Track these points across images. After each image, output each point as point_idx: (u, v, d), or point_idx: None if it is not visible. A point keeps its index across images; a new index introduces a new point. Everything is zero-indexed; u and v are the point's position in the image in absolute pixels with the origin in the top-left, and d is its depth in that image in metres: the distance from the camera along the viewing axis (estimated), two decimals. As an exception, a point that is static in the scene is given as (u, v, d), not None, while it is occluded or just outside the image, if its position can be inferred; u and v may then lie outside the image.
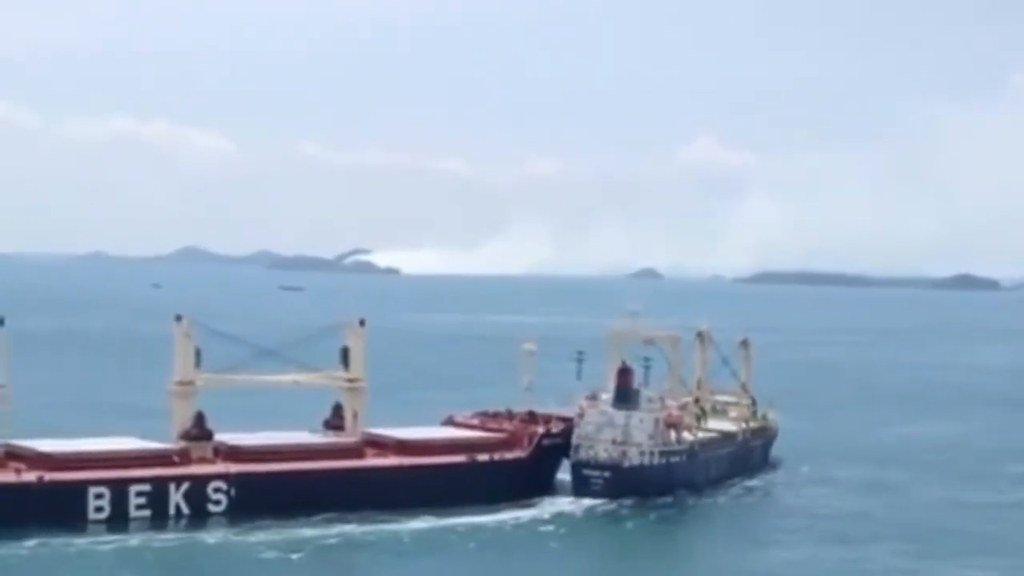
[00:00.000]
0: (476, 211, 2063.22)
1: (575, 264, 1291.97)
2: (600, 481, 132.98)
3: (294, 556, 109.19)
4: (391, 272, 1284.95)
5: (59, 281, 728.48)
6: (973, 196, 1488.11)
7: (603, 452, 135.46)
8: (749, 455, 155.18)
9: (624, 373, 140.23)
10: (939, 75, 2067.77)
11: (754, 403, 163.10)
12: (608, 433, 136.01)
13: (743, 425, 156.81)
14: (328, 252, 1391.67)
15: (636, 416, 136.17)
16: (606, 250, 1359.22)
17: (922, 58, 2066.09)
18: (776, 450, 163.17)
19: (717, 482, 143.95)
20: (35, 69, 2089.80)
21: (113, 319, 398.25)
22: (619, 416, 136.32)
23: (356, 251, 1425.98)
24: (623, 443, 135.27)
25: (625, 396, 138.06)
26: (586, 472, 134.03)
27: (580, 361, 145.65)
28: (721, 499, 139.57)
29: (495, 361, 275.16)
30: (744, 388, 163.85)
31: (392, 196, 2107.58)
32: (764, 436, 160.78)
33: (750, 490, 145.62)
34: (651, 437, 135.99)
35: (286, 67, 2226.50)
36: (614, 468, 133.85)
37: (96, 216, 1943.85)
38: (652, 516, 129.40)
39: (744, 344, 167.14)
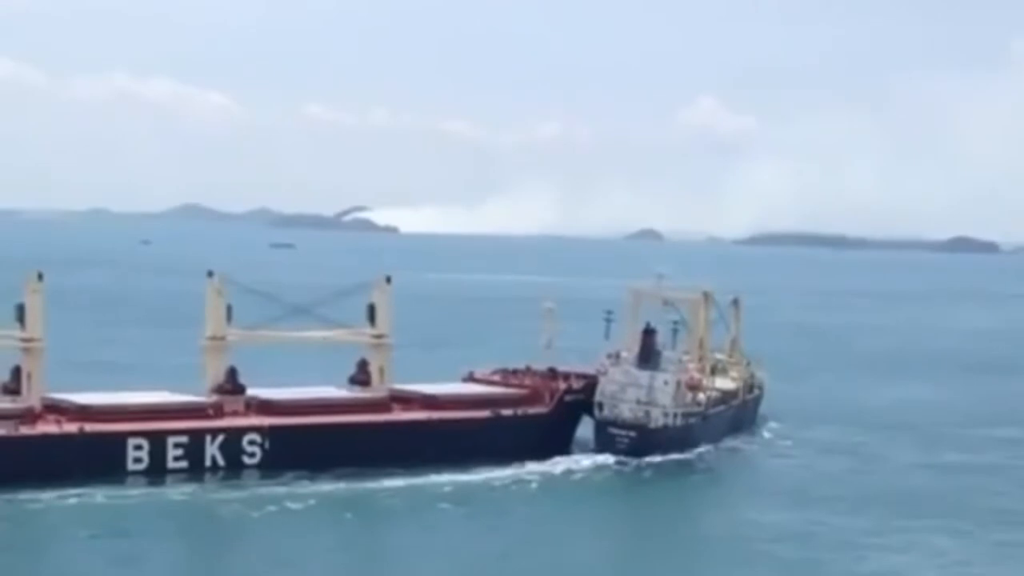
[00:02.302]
0: (479, 172, 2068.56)
1: (576, 225, 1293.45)
2: (625, 440, 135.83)
3: (324, 510, 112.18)
4: (390, 230, 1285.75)
5: (51, 237, 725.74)
6: (973, 160, 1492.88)
7: (628, 412, 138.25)
8: (746, 414, 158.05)
9: (649, 334, 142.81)
10: (941, 42, 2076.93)
11: (748, 363, 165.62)
12: (632, 393, 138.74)
13: (742, 384, 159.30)
14: (328, 210, 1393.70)
15: (660, 377, 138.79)
16: (607, 211, 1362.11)
17: (924, 25, 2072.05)
18: (762, 409, 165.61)
19: (720, 440, 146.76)
20: (38, 26, 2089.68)
21: (97, 275, 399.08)
22: (643, 376, 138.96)
23: (355, 208, 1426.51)
24: (648, 403, 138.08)
25: (648, 356, 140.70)
26: (612, 431, 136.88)
27: (609, 321, 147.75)
28: (720, 458, 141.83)
29: (504, 320, 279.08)
30: (733, 347, 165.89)
31: (396, 156, 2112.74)
32: (755, 395, 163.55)
33: (744, 450, 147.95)
34: (674, 399, 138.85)
35: (293, 29, 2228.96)
36: (640, 428, 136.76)
37: (97, 173, 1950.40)
38: (669, 475, 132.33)
39: (735, 303, 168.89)
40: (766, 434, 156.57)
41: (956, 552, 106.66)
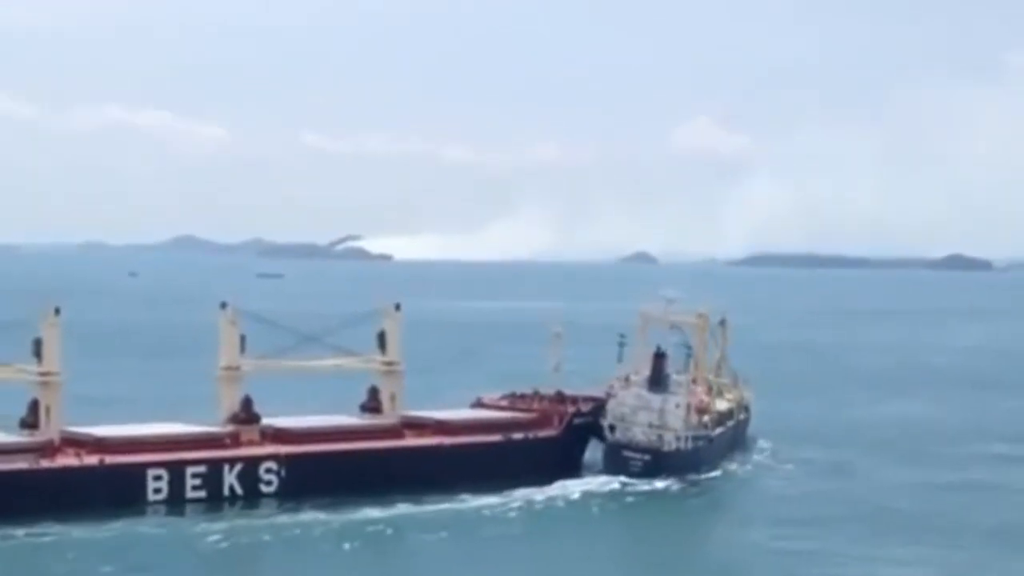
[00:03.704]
0: (476, 197, 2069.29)
1: (572, 249, 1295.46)
2: (640, 463, 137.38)
3: (312, 540, 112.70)
4: (383, 258, 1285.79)
5: (42, 270, 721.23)
6: (969, 176, 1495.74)
7: (640, 435, 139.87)
8: (739, 435, 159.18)
9: (659, 357, 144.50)
10: (936, 56, 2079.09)
11: (736, 383, 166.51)
12: (644, 416, 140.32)
13: (736, 405, 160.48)
14: (322, 239, 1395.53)
15: (671, 401, 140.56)
16: (605, 234, 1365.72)
17: (919, 39, 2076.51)
18: (749, 430, 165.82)
19: (721, 461, 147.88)
20: (29, 59, 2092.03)
21: (82, 308, 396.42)
22: (655, 400, 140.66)
23: (349, 237, 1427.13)
24: (660, 427, 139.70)
25: (659, 380, 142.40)
26: (626, 453, 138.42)
27: (622, 345, 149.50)
28: (721, 480, 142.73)
29: (495, 345, 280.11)
30: (720, 367, 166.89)
31: (392, 183, 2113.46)
32: (747, 416, 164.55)
33: (740, 471, 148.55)
34: (685, 422, 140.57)
35: (286, 58, 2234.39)
36: (654, 452, 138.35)
37: (90, 206, 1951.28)
38: (676, 498, 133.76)
39: (722, 323, 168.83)
40: (757, 455, 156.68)
41: (947, 572, 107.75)
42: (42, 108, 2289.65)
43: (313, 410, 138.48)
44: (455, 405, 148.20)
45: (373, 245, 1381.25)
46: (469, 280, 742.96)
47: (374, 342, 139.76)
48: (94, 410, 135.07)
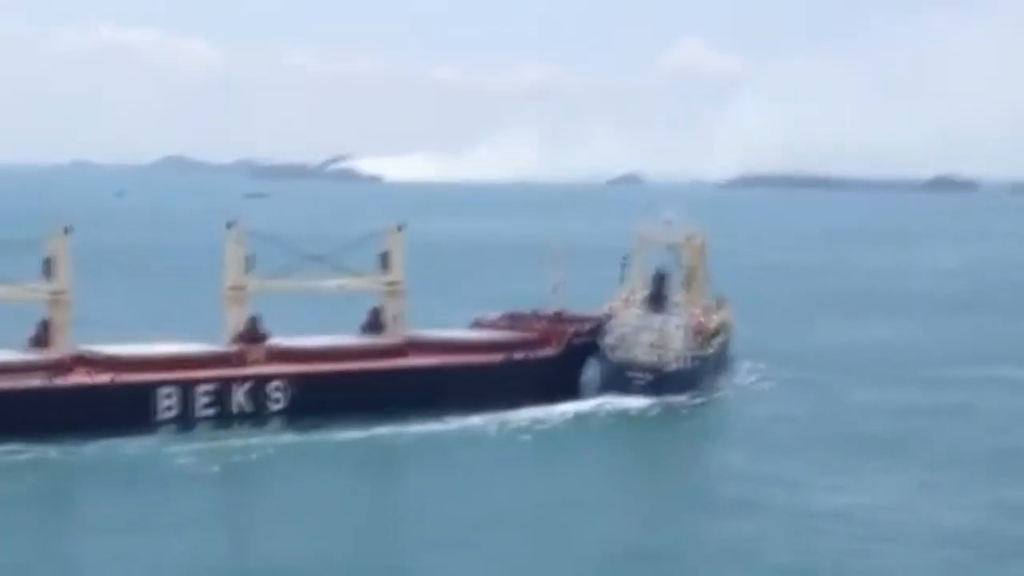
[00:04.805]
0: (465, 118, 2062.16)
1: (560, 171, 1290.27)
2: (642, 382, 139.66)
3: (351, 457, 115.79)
4: (374, 180, 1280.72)
5: (26, 190, 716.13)
6: (957, 98, 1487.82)
7: (642, 355, 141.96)
8: (724, 356, 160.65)
9: (659, 279, 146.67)
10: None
11: (719, 304, 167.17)
12: (646, 336, 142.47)
13: (721, 326, 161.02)
14: (314, 160, 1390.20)
15: (672, 322, 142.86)
16: (593, 156, 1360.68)
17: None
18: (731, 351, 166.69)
19: (713, 381, 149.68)
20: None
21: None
22: (656, 320, 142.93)
23: (339, 157, 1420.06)
24: (661, 347, 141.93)
25: (660, 301, 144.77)
26: (629, 373, 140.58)
27: (624, 266, 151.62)
28: (712, 401, 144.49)
29: (484, 268, 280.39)
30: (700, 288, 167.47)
31: (381, 104, 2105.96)
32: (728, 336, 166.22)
33: (728, 391, 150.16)
34: (684, 343, 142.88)
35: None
36: (656, 371, 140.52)
37: (80, 125, 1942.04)
38: (674, 418, 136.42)
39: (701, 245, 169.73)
40: (740, 378, 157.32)
41: (925, 494, 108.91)
42: (33, 28, 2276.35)
43: (313, 330, 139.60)
44: (453, 325, 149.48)
45: (364, 165, 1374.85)
46: (459, 201, 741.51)
47: (375, 263, 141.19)
48: (95, 331, 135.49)
